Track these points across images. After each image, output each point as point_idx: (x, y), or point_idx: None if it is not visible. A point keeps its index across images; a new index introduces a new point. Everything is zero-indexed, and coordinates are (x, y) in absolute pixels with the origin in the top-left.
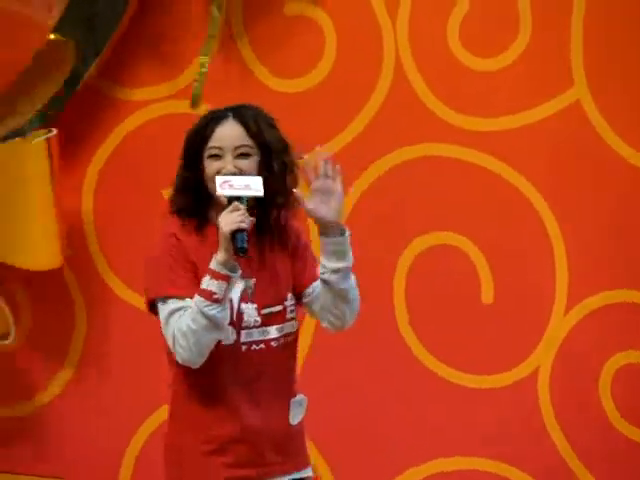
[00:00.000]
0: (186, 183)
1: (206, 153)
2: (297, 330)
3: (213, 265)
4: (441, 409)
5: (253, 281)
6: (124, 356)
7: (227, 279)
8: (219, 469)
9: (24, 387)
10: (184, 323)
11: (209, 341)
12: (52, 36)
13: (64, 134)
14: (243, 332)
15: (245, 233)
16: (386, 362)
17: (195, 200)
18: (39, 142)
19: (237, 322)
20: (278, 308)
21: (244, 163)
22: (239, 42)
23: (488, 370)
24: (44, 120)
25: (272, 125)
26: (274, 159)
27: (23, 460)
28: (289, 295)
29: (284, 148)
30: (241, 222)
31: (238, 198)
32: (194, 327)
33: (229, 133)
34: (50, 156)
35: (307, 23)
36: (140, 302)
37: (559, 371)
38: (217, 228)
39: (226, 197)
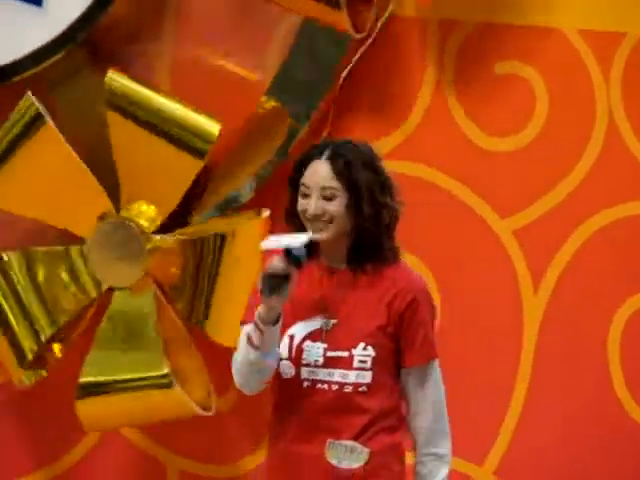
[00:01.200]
0: (288, 214)
1: (299, 189)
2: (369, 385)
3: (256, 314)
4: None
5: (333, 322)
6: None
7: (261, 331)
8: None
9: (231, 451)
10: (236, 352)
11: (249, 375)
12: (265, 100)
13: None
14: (304, 369)
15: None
16: (602, 425)
17: (297, 230)
18: (253, 222)
19: (296, 358)
20: (343, 354)
21: (329, 205)
22: (449, 100)
23: None
24: (253, 187)
25: (369, 165)
26: (363, 200)
27: None
28: (362, 345)
29: (375, 190)
30: (275, 266)
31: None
32: (237, 359)
33: (317, 173)
34: (261, 236)
35: (518, 81)
36: None
37: None
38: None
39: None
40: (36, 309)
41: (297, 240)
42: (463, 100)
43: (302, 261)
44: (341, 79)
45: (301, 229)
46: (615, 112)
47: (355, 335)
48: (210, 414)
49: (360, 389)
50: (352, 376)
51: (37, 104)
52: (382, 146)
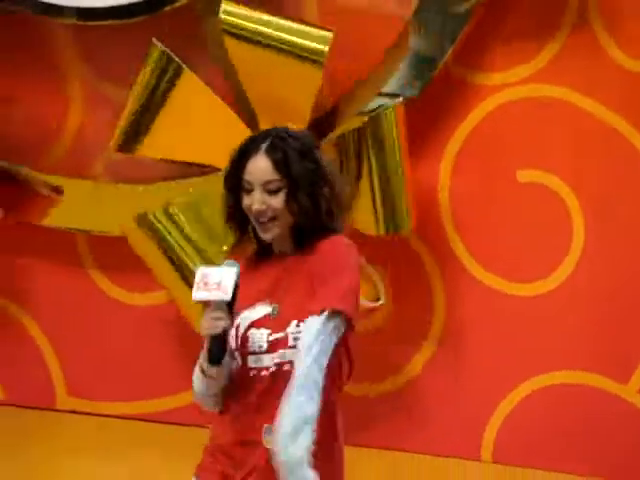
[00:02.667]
0: (231, 214)
1: (242, 186)
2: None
3: (200, 355)
4: None
5: (278, 307)
6: (480, 335)
7: (202, 371)
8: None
9: (390, 365)
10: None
11: (200, 393)
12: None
13: (421, 118)
14: (250, 357)
15: (220, 340)
16: None
17: (242, 230)
18: (391, 109)
19: (242, 347)
20: (282, 335)
21: (272, 199)
22: (594, 23)
23: None
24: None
25: (306, 155)
26: (300, 192)
27: (393, 435)
28: (294, 322)
29: (312, 181)
30: (214, 328)
31: (208, 302)
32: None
33: (258, 168)
34: (397, 124)
35: None
36: (496, 282)
37: None
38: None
39: (196, 300)
40: (207, 245)
41: (226, 279)
42: (608, 23)
43: (220, 358)
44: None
45: (242, 225)
46: None
47: (290, 314)
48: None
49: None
50: (288, 354)
51: (171, 55)
52: (521, 74)
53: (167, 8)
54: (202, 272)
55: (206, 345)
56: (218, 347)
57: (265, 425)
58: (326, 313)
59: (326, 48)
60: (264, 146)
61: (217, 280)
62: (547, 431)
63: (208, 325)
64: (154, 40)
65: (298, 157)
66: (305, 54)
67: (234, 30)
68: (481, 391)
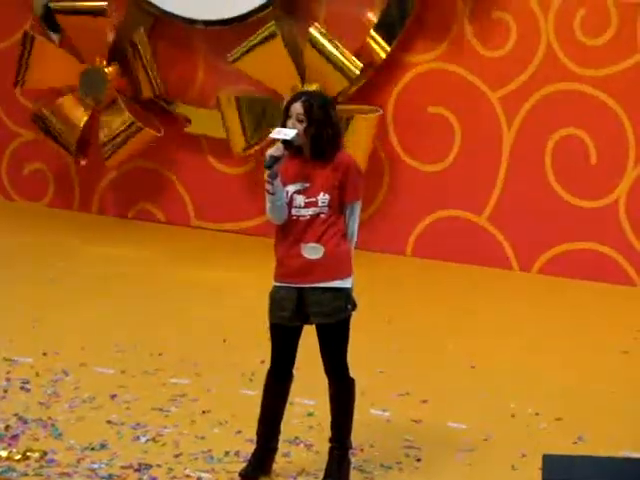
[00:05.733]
0: (282, 126)
1: (288, 114)
2: (328, 214)
3: (265, 176)
4: None
5: (307, 185)
6: None
7: (271, 183)
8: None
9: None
10: (267, 209)
11: (277, 213)
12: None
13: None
14: (293, 209)
15: (277, 159)
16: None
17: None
18: (369, 117)
19: (290, 203)
20: (313, 199)
21: (297, 125)
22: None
23: None
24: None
25: (322, 107)
26: (314, 124)
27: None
28: (322, 193)
29: (324, 122)
30: (277, 150)
31: (279, 140)
32: (268, 210)
33: (295, 108)
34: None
35: None
36: None
37: None
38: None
39: (271, 137)
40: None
41: (290, 131)
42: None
43: (291, 145)
44: None
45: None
46: None
47: (319, 189)
48: None
49: (322, 215)
50: (317, 209)
51: (275, 28)
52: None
53: (252, 18)
54: (277, 128)
55: (268, 162)
56: (275, 161)
57: (303, 244)
58: (360, 200)
59: (354, 76)
60: (302, 98)
61: (284, 131)
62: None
63: (273, 150)
64: (273, 22)
65: (317, 108)
66: (342, 69)
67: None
68: None
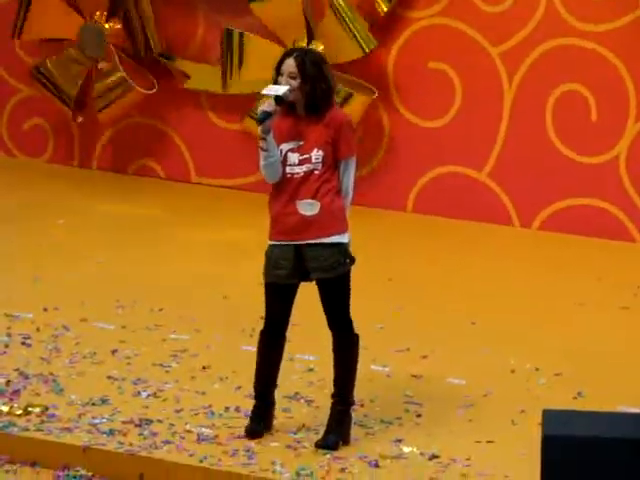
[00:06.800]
0: (274, 83)
1: (280, 71)
2: (322, 171)
3: (259, 131)
4: None
5: (301, 143)
6: None
7: (265, 139)
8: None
9: None
10: (261, 167)
11: (270, 170)
12: None
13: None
14: (287, 167)
15: (266, 113)
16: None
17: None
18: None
19: (284, 162)
20: (306, 156)
21: (291, 81)
22: None
23: None
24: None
25: (315, 63)
26: (308, 80)
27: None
28: (315, 149)
29: (317, 77)
30: (268, 105)
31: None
32: (262, 167)
33: (288, 64)
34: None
35: None
36: None
37: None
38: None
39: (262, 94)
40: None
41: (282, 88)
42: None
43: (282, 101)
44: None
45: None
46: None
47: (312, 146)
48: None
49: (316, 172)
50: (311, 166)
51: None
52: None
53: None
54: (270, 85)
55: (260, 116)
56: (267, 116)
57: (297, 200)
58: (354, 155)
59: (368, 50)
60: (295, 54)
61: (275, 87)
62: None
63: (265, 105)
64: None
65: (310, 64)
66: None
67: None
68: None
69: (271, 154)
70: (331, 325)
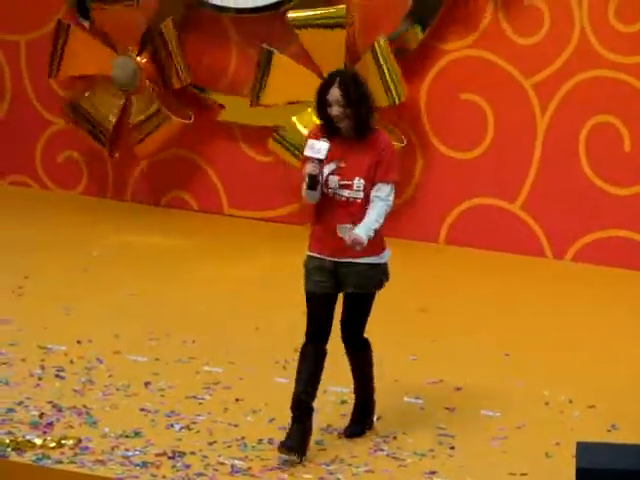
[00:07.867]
0: (321, 114)
1: (327, 101)
2: (363, 198)
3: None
4: None
5: (342, 164)
6: None
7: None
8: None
9: None
10: (304, 193)
11: (311, 199)
12: None
13: (406, 64)
14: (330, 190)
15: (314, 178)
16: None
17: (327, 123)
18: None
19: (325, 184)
20: (348, 182)
21: (341, 109)
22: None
23: None
24: None
25: (358, 86)
26: (353, 105)
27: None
28: (357, 178)
29: (361, 99)
30: (313, 170)
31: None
32: (305, 195)
33: (333, 94)
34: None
35: None
36: None
37: None
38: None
39: (305, 155)
40: None
41: (323, 147)
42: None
43: (313, 185)
44: None
45: (327, 121)
46: None
47: (354, 173)
48: None
49: (358, 200)
50: (353, 194)
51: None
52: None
53: (283, 8)
54: (310, 142)
55: (307, 180)
56: (313, 181)
57: (338, 225)
58: (390, 183)
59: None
60: (337, 80)
61: (317, 147)
62: None
63: (310, 169)
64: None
65: (354, 88)
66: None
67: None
68: None
69: (317, 193)
70: (347, 337)
